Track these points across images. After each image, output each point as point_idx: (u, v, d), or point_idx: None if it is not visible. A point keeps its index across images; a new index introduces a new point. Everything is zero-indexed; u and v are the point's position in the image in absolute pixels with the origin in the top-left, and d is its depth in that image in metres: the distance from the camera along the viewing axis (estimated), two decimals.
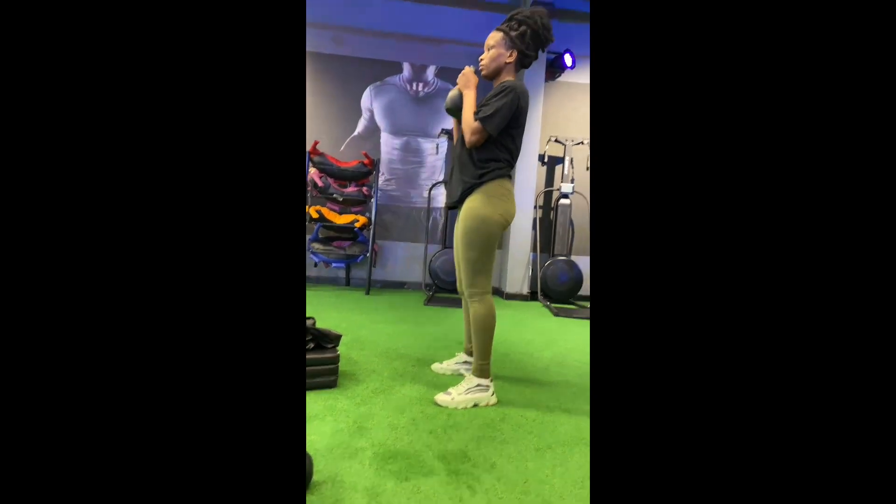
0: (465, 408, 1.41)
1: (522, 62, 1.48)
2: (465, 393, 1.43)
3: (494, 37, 1.47)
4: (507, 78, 1.47)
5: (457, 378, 1.71)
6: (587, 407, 1.52)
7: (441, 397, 1.42)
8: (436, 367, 1.79)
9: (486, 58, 1.49)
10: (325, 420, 1.26)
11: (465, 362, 1.78)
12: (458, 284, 1.62)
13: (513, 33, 1.44)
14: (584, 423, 1.38)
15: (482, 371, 1.48)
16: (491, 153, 1.44)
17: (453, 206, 1.56)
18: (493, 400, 1.47)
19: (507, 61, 1.46)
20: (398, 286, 4.20)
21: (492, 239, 1.45)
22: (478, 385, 1.45)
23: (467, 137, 1.42)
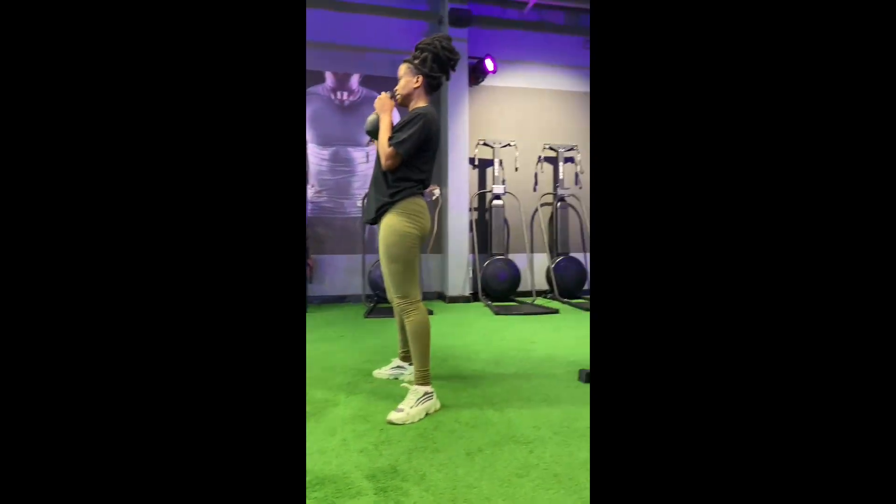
0: (420, 420, 1.42)
1: (430, 85, 1.61)
2: (416, 405, 1.44)
3: (402, 67, 1.63)
4: (420, 102, 1.61)
5: (391, 385, 1.72)
6: (519, 403, 1.57)
7: (395, 416, 1.41)
8: (376, 372, 1.92)
9: (399, 87, 1.63)
10: None
11: (399, 366, 1.89)
12: (387, 294, 1.66)
13: (416, 61, 1.59)
14: (514, 419, 1.42)
15: (424, 378, 1.51)
16: (404, 174, 1.54)
17: (370, 222, 1.63)
18: (438, 405, 1.52)
19: (415, 86, 1.60)
20: (338, 300, 4.10)
21: (412, 251, 1.54)
22: (424, 394, 1.48)
23: (382, 161, 1.52)
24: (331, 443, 1.27)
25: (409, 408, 1.43)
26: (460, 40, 4.06)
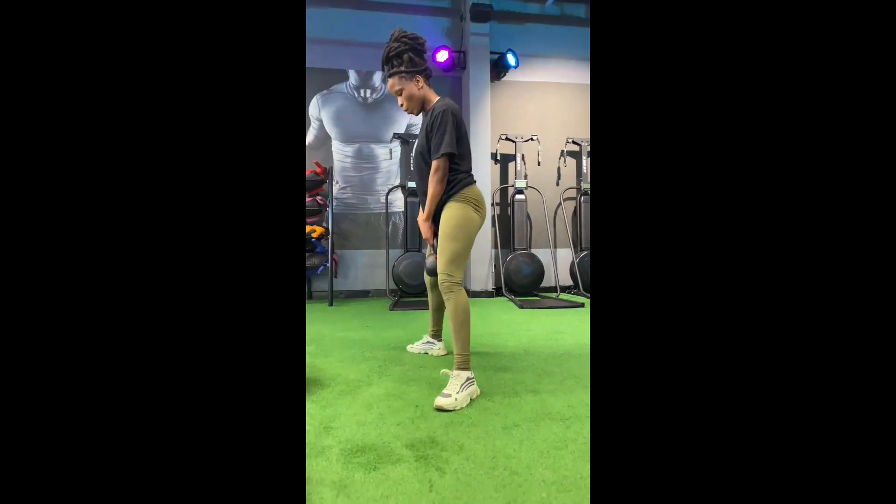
0: (466, 406, 1.40)
1: (427, 76, 1.65)
2: (461, 390, 1.42)
3: (394, 83, 1.63)
4: (431, 96, 1.66)
5: (420, 369, 1.73)
6: (552, 387, 1.56)
7: (443, 401, 1.37)
8: (409, 347, 2.10)
9: (404, 102, 1.64)
10: None
11: (429, 342, 2.06)
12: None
13: (403, 67, 1.60)
14: (549, 400, 1.42)
15: (466, 363, 1.50)
16: (451, 168, 1.59)
17: (432, 221, 1.69)
18: (478, 391, 1.50)
19: (420, 88, 1.63)
20: (362, 295, 4.15)
21: (472, 236, 1.59)
22: (467, 379, 1.46)
23: (439, 177, 1.56)
24: (368, 416, 1.29)
25: (456, 392, 1.40)
26: (482, 35, 4.08)
